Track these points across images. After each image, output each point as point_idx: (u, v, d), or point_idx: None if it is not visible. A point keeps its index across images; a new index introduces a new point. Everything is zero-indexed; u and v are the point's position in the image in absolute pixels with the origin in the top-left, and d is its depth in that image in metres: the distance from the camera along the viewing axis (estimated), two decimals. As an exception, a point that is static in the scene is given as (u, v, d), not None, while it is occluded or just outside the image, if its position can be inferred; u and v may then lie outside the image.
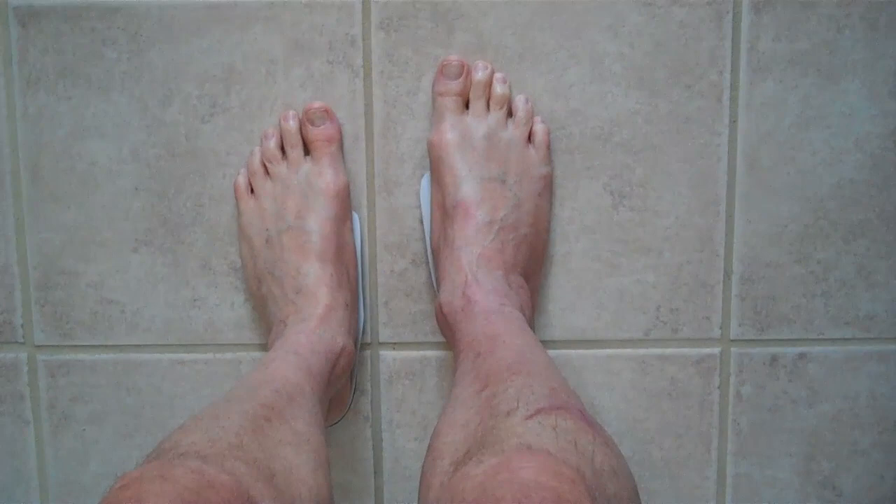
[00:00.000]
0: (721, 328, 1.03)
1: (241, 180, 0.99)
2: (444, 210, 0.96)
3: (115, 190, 1.01)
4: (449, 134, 0.95)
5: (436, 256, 0.98)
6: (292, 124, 0.98)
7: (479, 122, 0.96)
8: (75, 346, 1.04)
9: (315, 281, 0.95)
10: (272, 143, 0.98)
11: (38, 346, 1.04)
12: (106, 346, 1.04)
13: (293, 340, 0.90)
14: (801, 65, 0.98)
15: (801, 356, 1.03)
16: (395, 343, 1.04)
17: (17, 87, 1.00)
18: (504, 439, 0.64)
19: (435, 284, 1.00)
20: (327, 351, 0.91)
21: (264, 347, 1.03)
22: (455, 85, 0.96)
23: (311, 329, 0.92)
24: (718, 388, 1.04)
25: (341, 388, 0.98)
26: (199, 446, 0.66)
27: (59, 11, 0.98)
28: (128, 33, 0.98)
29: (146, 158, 1.00)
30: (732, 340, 1.03)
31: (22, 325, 1.04)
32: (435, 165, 0.97)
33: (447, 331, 0.93)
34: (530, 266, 0.97)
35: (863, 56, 0.98)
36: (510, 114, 0.98)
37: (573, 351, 1.03)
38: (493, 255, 0.93)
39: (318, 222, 0.96)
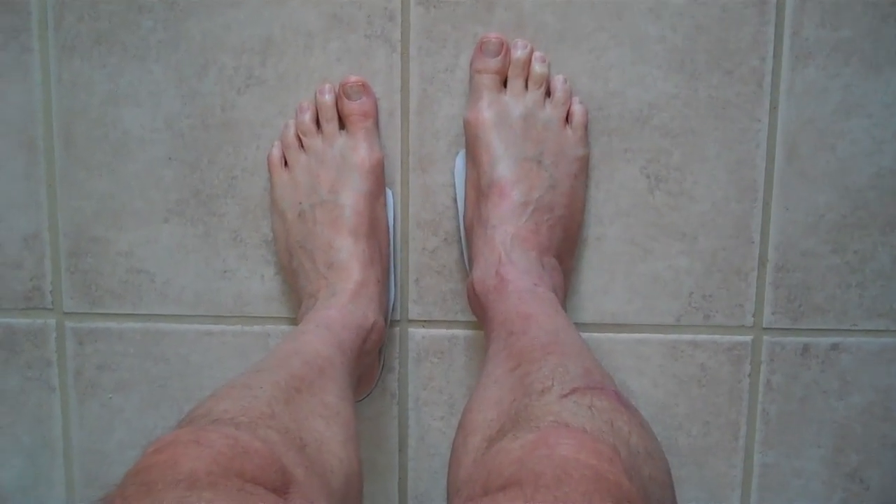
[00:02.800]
0: (754, 316, 1.02)
1: (276, 153, 0.98)
2: (479, 189, 0.95)
3: (148, 159, 1.01)
4: (486, 112, 0.94)
5: (469, 235, 0.97)
6: (328, 98, 0.97)
7: (517, 101, 0.95)
8: (104, 314, 1.04)
9: (347, 256, 0.94)
10: (307, 117, 0.97)
11: (67, 314, 1.04)
12: (134, 314, 1.04)
13: (324, 315, 0.90)
14: (844, 52, 0.97)
15: (834, 347, 1.02)
16: (424, 321, 1.03)
17: (53, 53, 0.99)
18: (539, 417, 0.64)
19: (467, 263, 0.99)
20: (358, 326, 0.90)
21: (293, 321, 1.03)
22: (493, 62, 0.95)
23: (343, 304, 0.91)
24: (749, 376, 1.03)
25: (370, 364, 0.98)
26: (231, 414, 0.66)
27: (97, -23, 0.98)
28: (165, 2, 0.97)
29: (180, 128, 1.00)
30: (765, 329, 1.02)
31: (51, 292, 1.04)
32: (471, 143, 0.96)
33: (479, 310, 0.93)
34: (564, 248, 0.97)
35: (907, 45, 0.97)
36: (548, 94, 0.97)
37: (604, 335, 1.02)
38: (528, 236, 0.92)
39: (351, 197, 0.95)
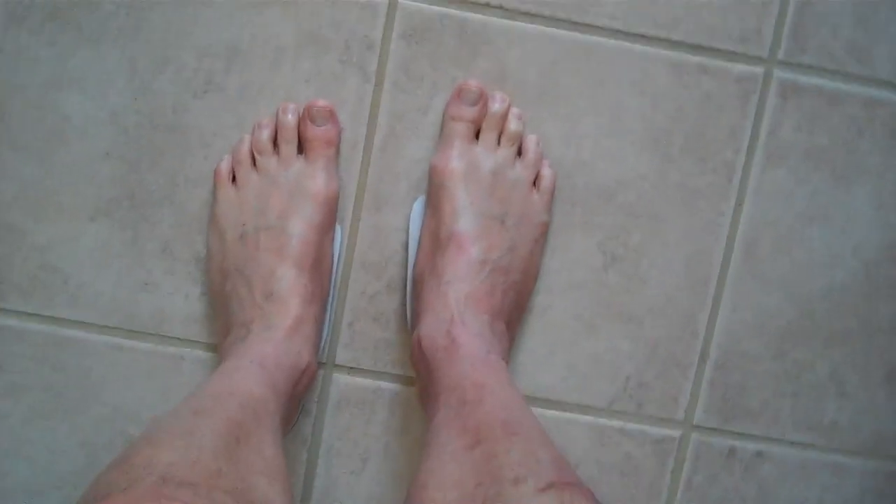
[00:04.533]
0: (686, 411, 0.99)
1: (224, 167, 0.92)
2: (437, 239, 0.90)
3: (85, 151, 0.93)
4: (455, 161, 0.90)
5: (418, 286, 0.92)
6: (291, 118, 0.91)
7: (488, 156, 0.91)
8: (5, 309, 0.95)
9: (288, 288, 0.88)
10: (265, 134, 0.91)
11: (-37, 303, 0.95)
12: (40, 315, 0.95)
13: (258, 350, 0.83)
14: (817, 159, 0.96)
15: (759, 454, 1.00)
16: (351, 367, 0.97)
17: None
18: None
19: (409, 315, 0.94)
20: (292, 367, 0.84)
21: (212, 347, 0.96)
22: (470, 112, 0.91)
23: (279, 340, 0.85)
24: (672, 472, 1.00)
25: (293, 406, 0.92)
26: (179, 469, 0.61)
27: (63, -51, 0.90)
28: (132, -13, 0.91)
29: (125, 124, 0.93)
30: (695, 426, 0.99)
31: (-50, 277, 0.95)
32: (434, 191, 0.91)
33: (422, 366, 0.87)
34: (514, 314, 0.93)
35: (878, 162, 0.96)
36: (519, 153, 0.93)
37: (534, 409, 0.98)
38: (482, 297, 0.88)
39: (301, 226, 0.89)
